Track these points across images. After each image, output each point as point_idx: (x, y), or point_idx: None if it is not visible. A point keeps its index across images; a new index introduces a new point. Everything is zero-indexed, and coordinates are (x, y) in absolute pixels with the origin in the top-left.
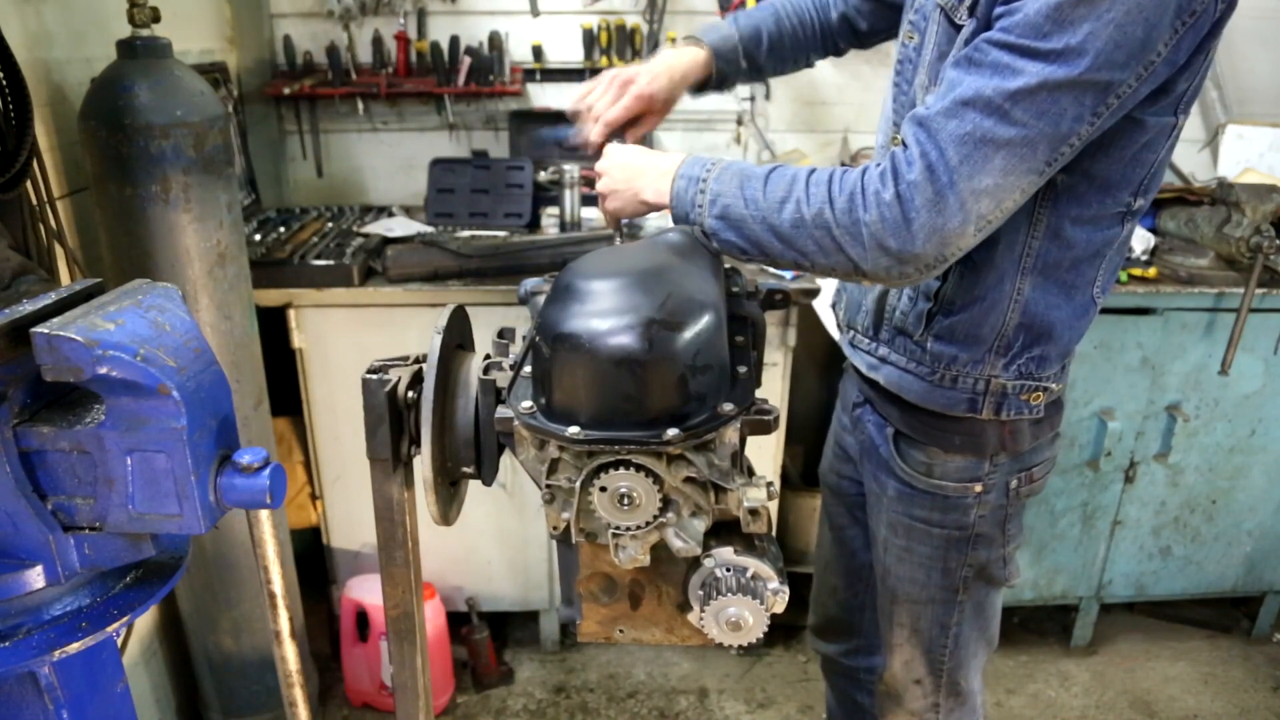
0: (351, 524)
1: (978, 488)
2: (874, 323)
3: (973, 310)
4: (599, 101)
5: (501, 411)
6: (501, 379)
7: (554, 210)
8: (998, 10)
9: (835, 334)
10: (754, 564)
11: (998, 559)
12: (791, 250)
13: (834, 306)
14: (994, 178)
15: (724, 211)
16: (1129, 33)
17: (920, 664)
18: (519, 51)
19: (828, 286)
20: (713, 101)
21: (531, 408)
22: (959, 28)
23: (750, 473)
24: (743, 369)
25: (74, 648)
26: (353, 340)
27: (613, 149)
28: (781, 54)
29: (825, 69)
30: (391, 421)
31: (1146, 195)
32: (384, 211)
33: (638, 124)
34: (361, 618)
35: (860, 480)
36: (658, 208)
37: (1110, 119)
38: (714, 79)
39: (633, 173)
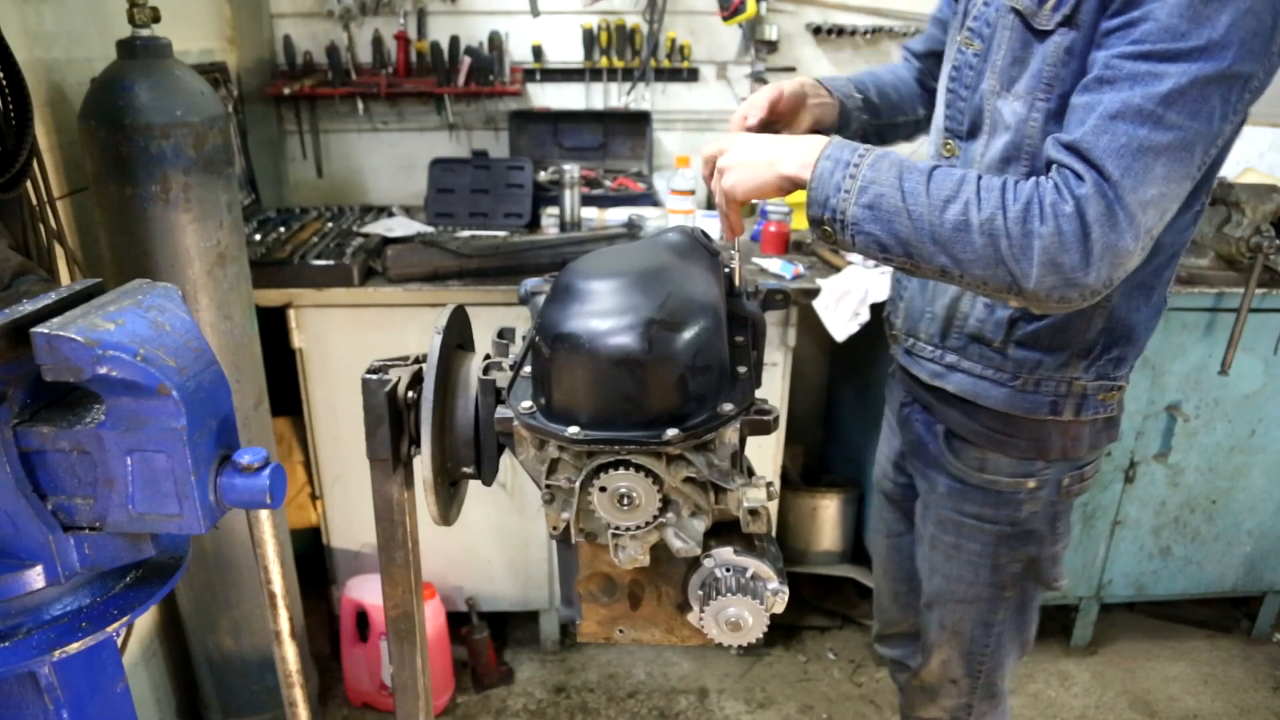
0: (351, 524)
1: (1031, 484)
2: (941, 330)
3: (1059, 316)
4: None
5: (501, 411)
6: (501, 379)
7: (554, 210)
8: (1111, 23)
9: (830, 330)
10: (754, 564)
11: (1048, 557)
12: (945, 255)
13: (887, 316)
14: (1158, 186)
15: (875, 201)
16: (1262, 20)
17: (958, 664)
18: (519, 51)
19: (828, 287)
20: (712, 101)
21: (531, 408)
22: (1039, 33)
23: (750, 473)
24: (743, 369)
25: (74, 648)
26: (353, 340)
27: (737, 134)
28: (887, 97)
29: (825, 68)
30: (391, 421)
31: (1210, 194)
32: (384, 211)
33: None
34: (361, 618)
35: (912, 484)
36: (794, 184)
37: (1243, 113)
38: (839, 115)
39: (768, 147)
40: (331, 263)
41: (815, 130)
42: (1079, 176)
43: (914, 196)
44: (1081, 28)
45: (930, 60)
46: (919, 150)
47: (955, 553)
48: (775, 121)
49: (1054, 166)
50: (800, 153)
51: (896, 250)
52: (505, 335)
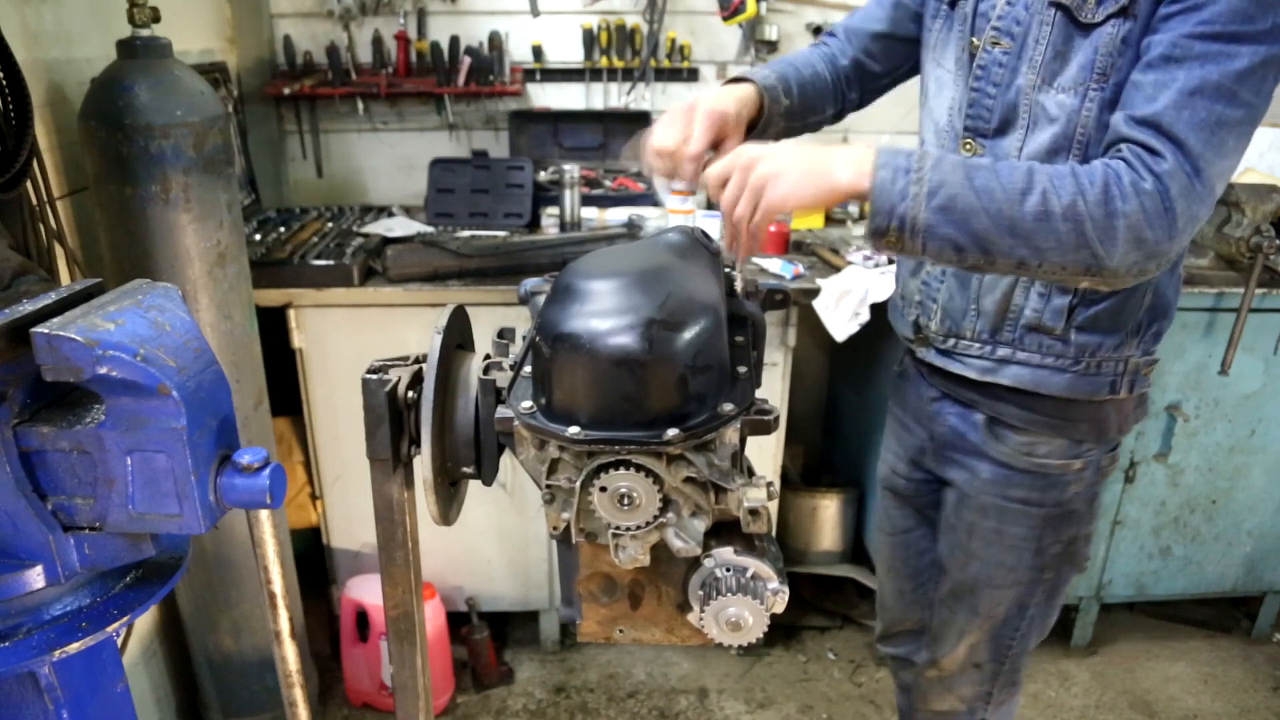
0: (351, 524)
1: (1078, 464)
2: (992, 326)
3: (1116, 297)
4: (671, 139)
5: (501, 411)
6: (501, 379)
7: (554, 210)
8: (1172, 8)
9: (830, 330)
10: (754, 564)
11: (1084, 537)
12: (1024, 247)
13: (915, 319)
14: (1229, 159)
15: (949, 203)
16: None
17: (986, 648)
18: (519, 51)
19: (828, 287)
20: None
21: (531, 408)
22: (1085, 26)
23: (750, 473)
24: (743, 369)
25: (74, 648)
26: (353, 340)
27: (764, 146)
28: (807, 98)
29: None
30: (391, 421)
31: None
32: (384, 211)
33: (720, 150)
34: (361, 618)
35: (932, 479)
36: (851, 195)
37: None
38: (762, 116)
39: (814, 158)
40: (331, 263)
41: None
42: (1156, 152)
43: (988, 194)
44: (1139, 17)
45: (885, 43)
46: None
47: (997, 538)
48: (723, 140)
49: (1124, 144)
50: (852, 162)
51: (973, 250)
52: (505, 335)
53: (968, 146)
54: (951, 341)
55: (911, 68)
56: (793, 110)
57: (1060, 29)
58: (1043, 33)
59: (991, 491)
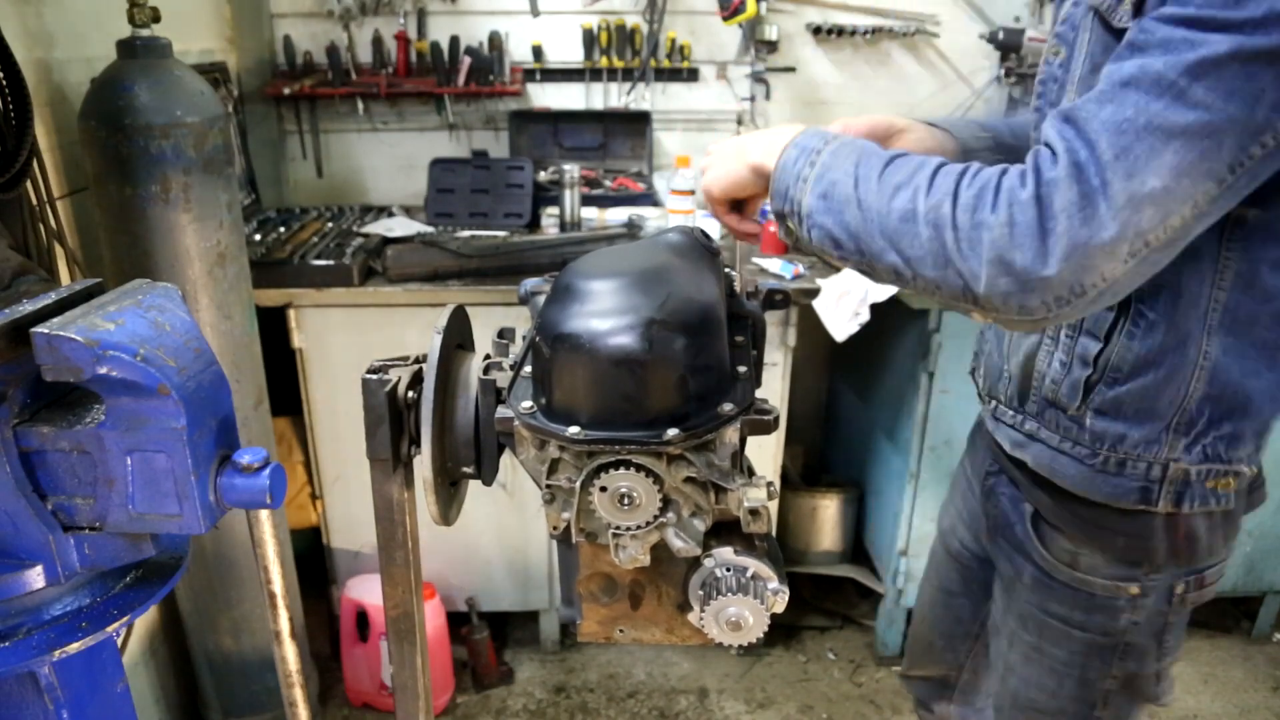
0: (351, 524)
1: (1134, 589)
2: (1019, 392)
3: (1145, 379)
4: None
5: (501, 411)
6: (501, 379)
7: (554, 210)
8: None
9: (830, 330)
10: (754, 564)
11: (1150, 675)
12: (894, 251)
13: (972, 373)
14: (1162, 179)
15: (828, 190)
16: None
17: None
18: (519, 51)
19: (828, 287)
20: (713, 101)
21: (531, 408)
22: (1117, 32)
23: (750, 473)
24: (743, 369)
25: (74, 648)
26: (353, 340)
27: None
28: (1021, 139)
29: (825, 68)
30: (391, 421)
31: None
32: (384, 211)
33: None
34: (361, 618)
35: (982, 554)
36: (761, 173)
37: None
38: (959, 154)
39: (745, 139)
40: (331, 263)
41: None
42: (1052, 157)
43: (865, 183)
44: (1148, 14)
45: None
46: None
47: (1036, 655)
48: None
49: (1034, 150)
50: (771, 140)
51: (849, 246)
52: (505, 335)
53: None
54: (993, 404)
55: None
56: (1004, 144)
57: (1099, 38)
58: (1084, 41)
59: (1032, 600)
